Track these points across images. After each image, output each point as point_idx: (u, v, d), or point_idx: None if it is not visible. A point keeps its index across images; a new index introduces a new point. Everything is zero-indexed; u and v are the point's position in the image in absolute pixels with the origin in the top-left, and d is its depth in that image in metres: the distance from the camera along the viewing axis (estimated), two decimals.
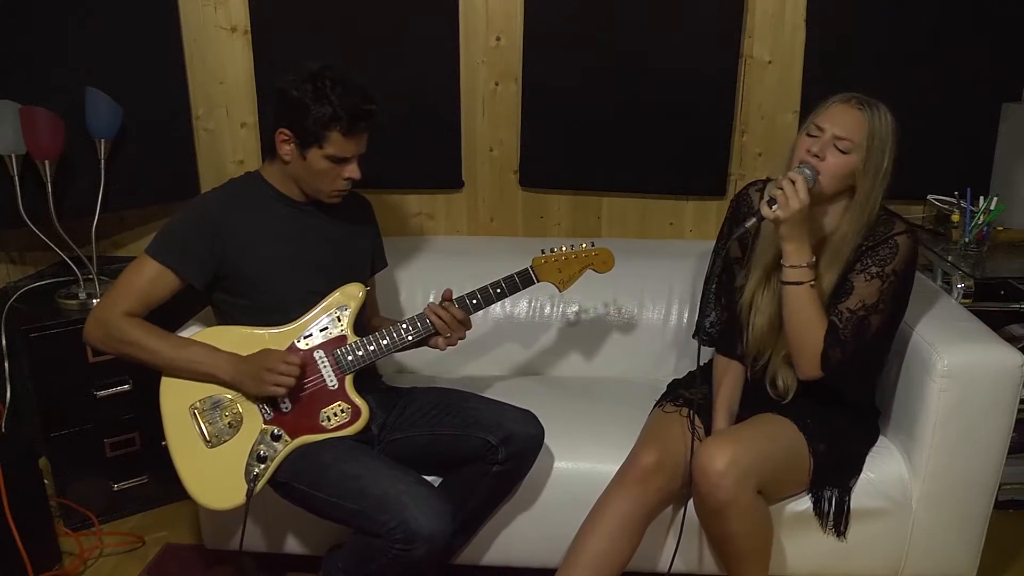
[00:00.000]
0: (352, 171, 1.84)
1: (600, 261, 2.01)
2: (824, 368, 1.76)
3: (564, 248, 1.99)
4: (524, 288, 1.95)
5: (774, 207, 1.69)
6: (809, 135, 1.76)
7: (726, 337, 1.98)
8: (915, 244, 1.79)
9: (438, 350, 1.92)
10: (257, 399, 1.81)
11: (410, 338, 1.89)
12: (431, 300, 1.96)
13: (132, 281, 1.81)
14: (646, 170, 2.61)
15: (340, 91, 1.75)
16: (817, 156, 1.72)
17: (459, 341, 1.91)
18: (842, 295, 1.78)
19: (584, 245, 2.00)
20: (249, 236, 1.85)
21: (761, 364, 1.92)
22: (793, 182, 1.67)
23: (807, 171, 1.71)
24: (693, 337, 2.12)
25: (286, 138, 1.80)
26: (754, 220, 1.74)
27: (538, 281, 1.97)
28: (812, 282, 1.75)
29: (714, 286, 2.02)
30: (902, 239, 1.78)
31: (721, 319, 2.00)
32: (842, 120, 1.73)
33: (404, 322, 1.89)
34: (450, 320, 1.87)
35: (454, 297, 1.91)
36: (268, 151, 1.89)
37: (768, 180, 1.96)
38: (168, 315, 1.89)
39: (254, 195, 1.90)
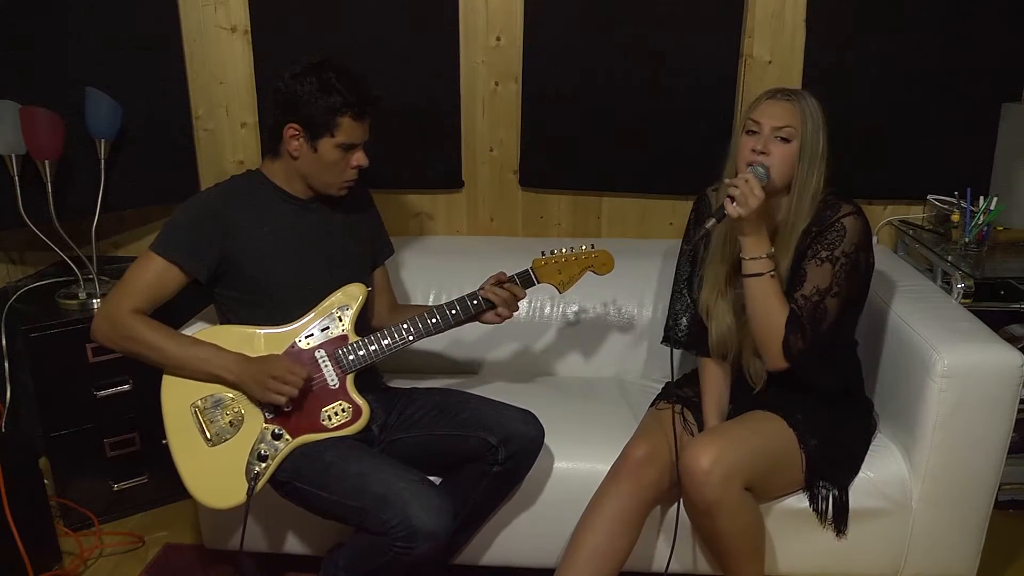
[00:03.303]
0: (360, 158, 1.86)
1: (600, 263, 2.01)
2: (787, 357, 1.78)
3: (564, 250, 1.99)
4: (524, 289, 1.96)
5: (734, 204, 1.72)
6: (749, 132, 1.80)
7: (703, 337, 1.99)
8: (864, 224, 1.82)
9: (486, 324, 2.00)
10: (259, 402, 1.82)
11: (411, 338, 1.89)
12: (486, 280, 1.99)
13: (138, 278, 1.81)
14: (646, 170, 2.61)
15: (345, 79, 1.79)
16: (763, 152, 1.77)
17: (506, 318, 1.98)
18: (796, 284, 1.81)
19: (584, 247, 2.01)
20: (251, 230, 1.85)
21: (731, 360, 1.94)
22: (747, 180, 1.72)
23: (759, 169, 1.75)
24: (662, 343, 2.13)
25: (295, 133, 1.81)
26: (714, 220, 1.77)
27: (538, 283, 1.97)
28: (772, 272, 1.77)
29: (685, 289, 2.05)
30: (848, 220, 1.80)
31: (695, 320, 2.02)
32: (776, 112, 1.78)
33: (405, 322, 1.90)
34: (509, 297, 1.93)
35: (456, 299, 1.93)
36: (269, 150, 1.89)
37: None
38: (171, 313, 1.89)
39: (256, 191, 1.90)
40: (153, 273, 1.80)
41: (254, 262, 1.85)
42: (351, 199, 1.98)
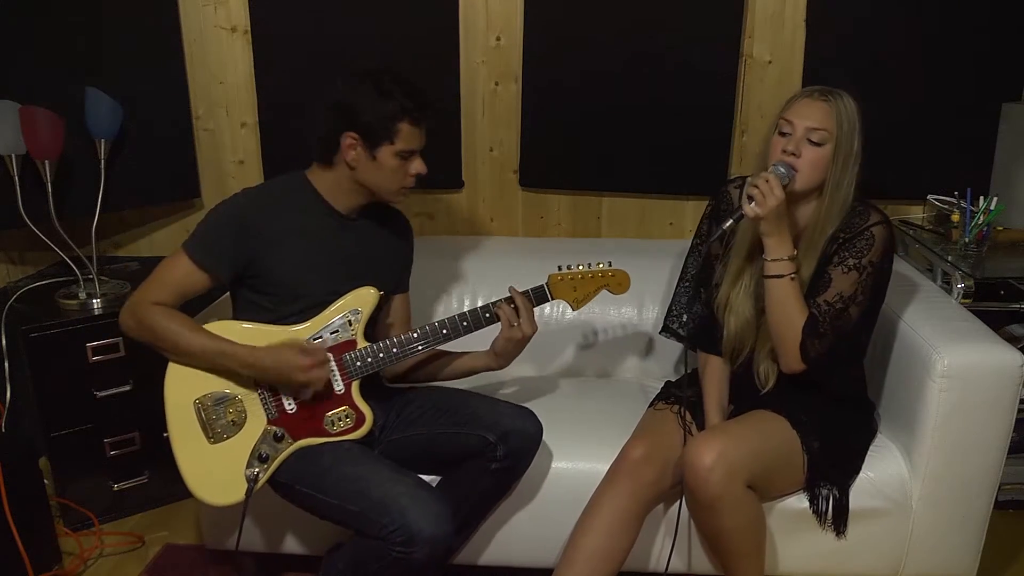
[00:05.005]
0: (419, 166, 1.86)
1: (616, 283, 1.98)
2: (804, 360, 1.78)
3: (581, 267, 1.96)
4: (538, 305, 1.94)
5: (752, 204, 1.72)
6: (781, 133, 1.79)
7: (708, 334, 1.98)
8: (891, 234, 1.82)
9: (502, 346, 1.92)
10: (271, 392, 1.82)
11: (419, 346, 1.87)
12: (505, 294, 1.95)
13: (166, 274, 1.82)
14: (646, 170, 2.61)
15: (402, 85, 1.79)
16: (794, 154, 1.75)
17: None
18: (820, 288, 1.80)
19: (601, 264, 1.97)
20: (281, 237, 1.83)
21: (743, 359, 1.93)
22: (767, 180, 1.71)
23: (781, 169, 1.75)
24: (660, 333, 2.15)
25: (353, 142, 1.79)
26: (731, 221, 1.77)
27: (552, 299, 1.95)
28: (793, 275, 1.77)
29: (695, 283, 2.05)
30: (878, 229, 1.80)
31: (702, 316, 2.01)
32: (810, 113, 1.76)
33: (415, 330, 1.88)
34: (513, 314, 1.89)
35: (467, 310, 1.91)
36: (322, 159, 1.86)
37: (747, 177, 1.97)
38: (183, 306, 1.87)
39: (295, 196, 1.88)
40: (181, 272, 1.81)
41: (282, 267, 1.83)
42: (392, 226, 1.99)
